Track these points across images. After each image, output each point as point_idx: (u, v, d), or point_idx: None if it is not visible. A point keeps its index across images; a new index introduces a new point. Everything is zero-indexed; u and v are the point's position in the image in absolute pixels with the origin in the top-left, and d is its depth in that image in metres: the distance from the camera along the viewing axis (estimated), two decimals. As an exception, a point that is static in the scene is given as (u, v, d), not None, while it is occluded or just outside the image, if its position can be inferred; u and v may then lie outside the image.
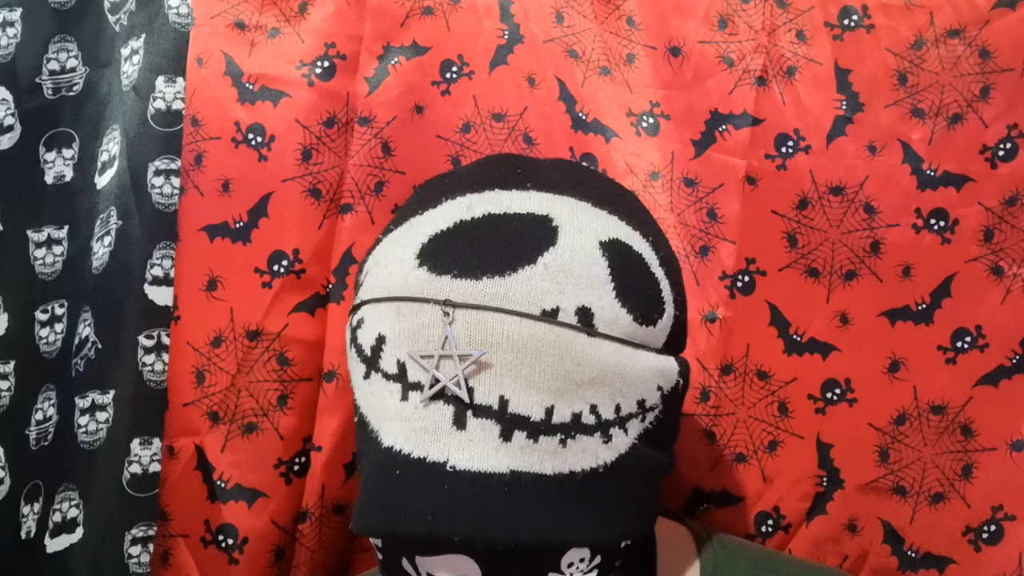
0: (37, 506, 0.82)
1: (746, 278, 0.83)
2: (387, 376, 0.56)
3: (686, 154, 0.84)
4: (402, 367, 0.56)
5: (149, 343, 0.82)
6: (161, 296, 0.81)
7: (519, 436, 0.53)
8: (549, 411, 0.54)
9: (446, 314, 0.54)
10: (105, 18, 0.83)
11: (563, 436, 0.54)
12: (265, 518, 0.83)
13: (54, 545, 0.82)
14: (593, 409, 0.55)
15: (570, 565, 0.55)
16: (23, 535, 0.81)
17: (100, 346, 0.82)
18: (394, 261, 0.59)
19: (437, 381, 0.54)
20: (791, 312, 0.83)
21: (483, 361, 0.53)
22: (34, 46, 0.81)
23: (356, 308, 0.61)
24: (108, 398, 0.82)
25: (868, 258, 0.81)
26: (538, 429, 0.54)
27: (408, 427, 0.55)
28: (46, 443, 0.82)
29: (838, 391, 0.83)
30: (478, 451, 0.53)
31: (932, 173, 0.80)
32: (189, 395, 0.82)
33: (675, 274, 0.63)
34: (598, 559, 0.56)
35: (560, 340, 0.54)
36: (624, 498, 0.57)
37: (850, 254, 0.82)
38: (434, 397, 0.54)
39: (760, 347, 0.83)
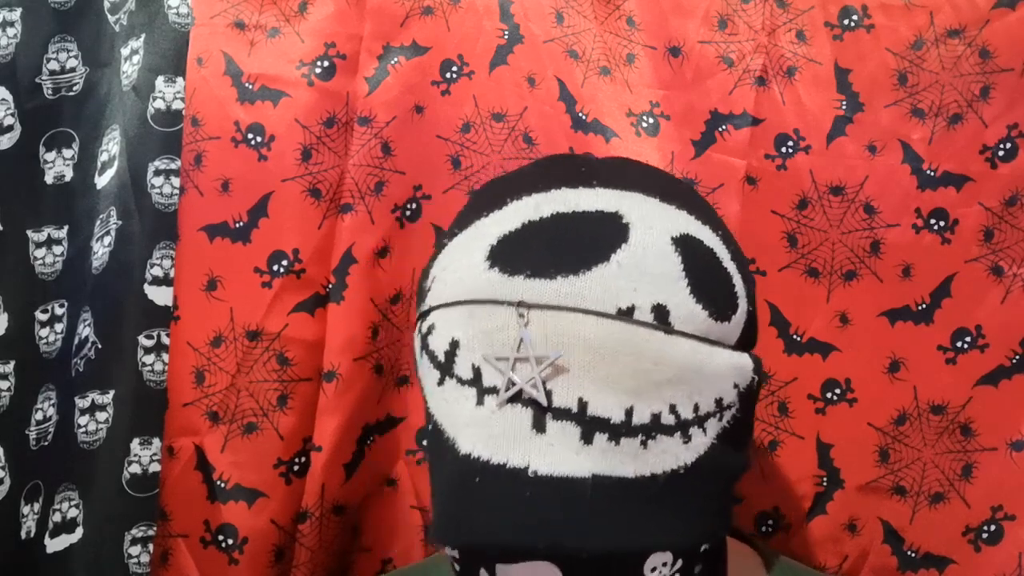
0: (37, 506, 0.82)
1: (746, 278, 0.83)
2: (462, 381, 0.55)
3: (686, 154, 0.84)
4: (477, 371, 0.54)
5: (149, 343, 0.81)
6: (161, 296, 0.81)
7: (600, 439, 0.52)
8: (629, 412, 0.53)
9: (521, 316, 0.53)
10: (105, 18, 0.83)
11: (644, 437, 0.53)
12: (265, 518, 0.83)
13: (54, 545, 0.82)
14: (672, 409, 0.54)
15: (653, 570, 0.54)
16: (23, 535, 0.81)
17: (100, 346, 0.82)
18: (463, 265, 0.57)
19: (513, 384, 0.53)
20: (791, 312, 0.83)
21: (559, 363, 0.52)
22: (34, 46, 0.81)
23: (425, 315, 0.59)
24: (108, 398, 0.82)
25: (868, 258, 0.81)
26: (619, 431, 0.52)
27: (486, 432, 0.53)
28: (46, 443, 0.82)
29: (838, 391, 0.83)
30: (559, 455, 0.52)
31: (932, 173, 0.80)
32: (189, 395, 0.82)
33: (745, 268, 0.62)
34: (679, 563, 0.54)
35: (637, 339, 0.53)
36: (704, 499, 0.56)
37: (850, 254, 0.82)
38: (511, 401, 0.53)
39: (760, 347, 0.83)
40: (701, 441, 0.55)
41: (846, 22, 0.81)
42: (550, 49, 0.85)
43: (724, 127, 0.83)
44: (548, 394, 0.52)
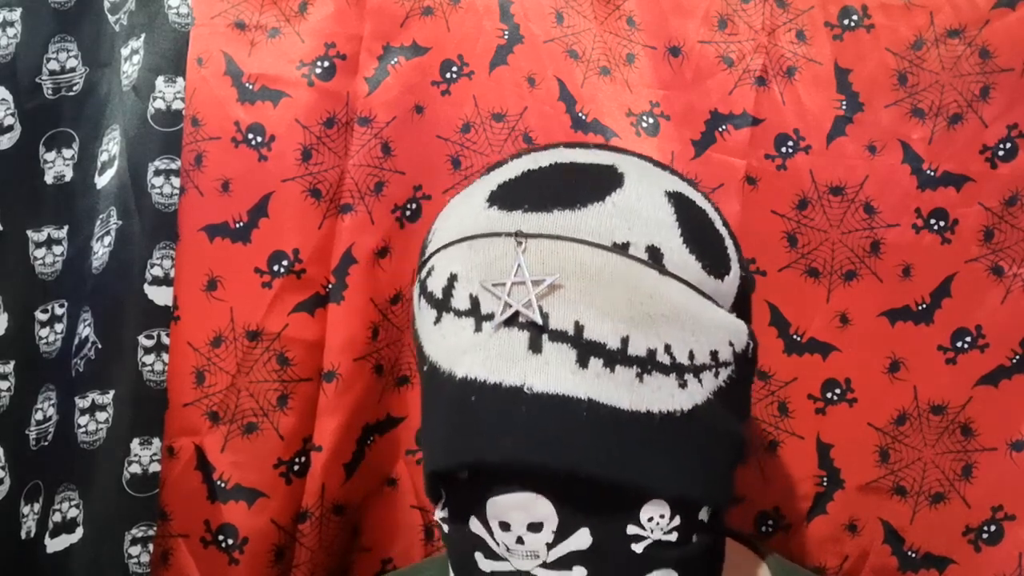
0: (37, 506, 0.82)
1: (746, 278, 0.83)
2: (459, 313, 0.55)
3: (686, 154, 0.84)
4: (475, 301, 0.55)
5: (149, 343, 0.82)
6: (161, 296, 0.81)
7: (595, 363, 0.52)
8: (625, 340, 0.53)
9: (519, 243, 0.54)
10: (105, 18, 0.83)
11: (639, 370, 0.53)
12: (265, 518, 0.83)
13: (54, 545, 0.82)
14: (668, 349, 0.54)
15: (649, 519, 0.54)
16: (23, 535, 0.81)
17: (100, 346, 0.82)
18: (464, 209, 0.59)
19: (509, 306, 0.53)
20: (791, 312, 0.83)
21: (556, 285, 0.53)
22: (34, 46, 0.81)
23: (424, 263, 0.60)
24: (108, 398, 0.82)
25: (868, 258, 0.81)
26: (614, 358, 0.53)
27: (483, 355, 0.53)
28: (46, 443, 0.82)
29: (838, 391, 0.83)
30: (555, 374, 0.52)
31: (932, 173, 0.80)
32: (189, 395, 0.82)
33: (736, 241, 0.63)
34: (677, 520, 0.54)
35: (633, 272, 0.53)
36: (702, 458, 0.56)
37: (850, 254, 0.82)
38: (508, 323, 0.53)
39: (760, 347, 0.83)
40: (697, 391, 0.55)
41: (846, 22, 0.81)
42: (550, 49, 0.85)
43: (724, 127, 0.83)
44: (544, 316, 0.53)
